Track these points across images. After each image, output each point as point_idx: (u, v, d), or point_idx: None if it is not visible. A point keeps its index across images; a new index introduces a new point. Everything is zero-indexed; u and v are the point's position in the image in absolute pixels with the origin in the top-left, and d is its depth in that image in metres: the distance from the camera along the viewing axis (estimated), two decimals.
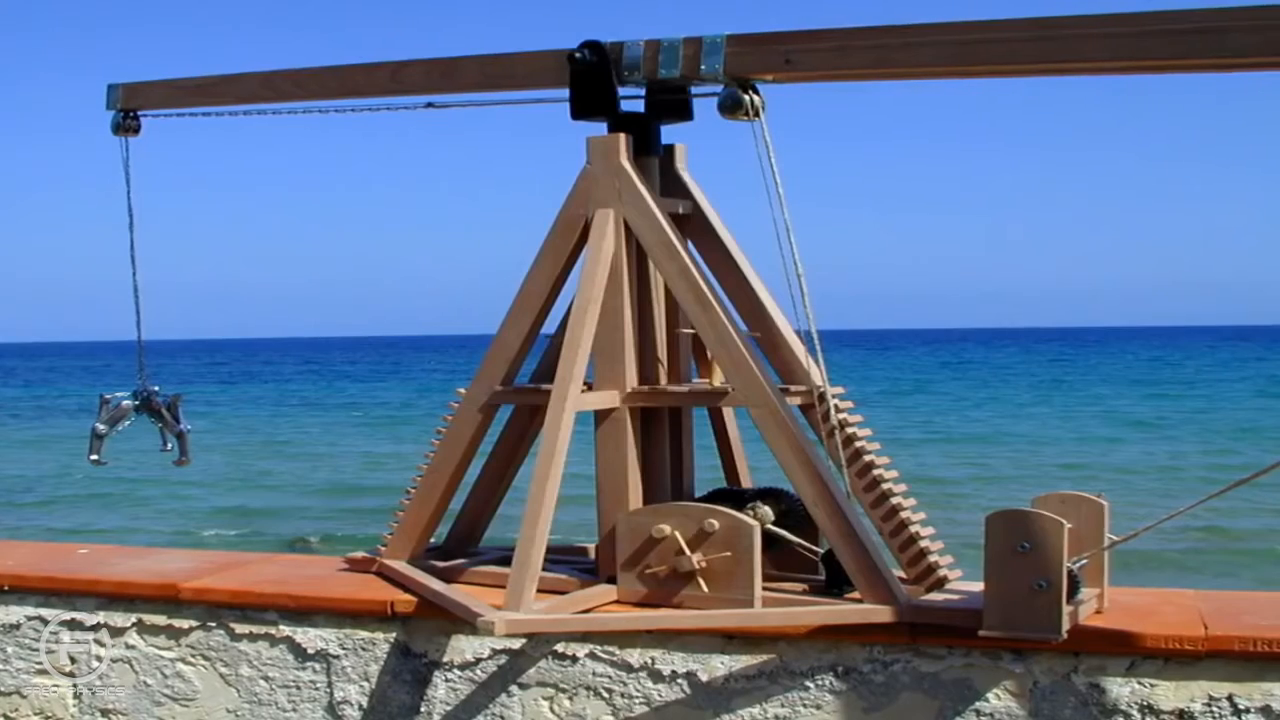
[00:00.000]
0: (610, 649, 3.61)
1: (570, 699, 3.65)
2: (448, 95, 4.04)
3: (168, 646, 4.10)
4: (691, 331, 3.70)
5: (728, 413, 3.97)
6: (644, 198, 3.61)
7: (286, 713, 3.96)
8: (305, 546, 16.73)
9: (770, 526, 3.64)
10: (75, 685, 4.21)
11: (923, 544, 3.51)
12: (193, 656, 4.07)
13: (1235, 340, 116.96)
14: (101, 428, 4.53)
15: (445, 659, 3.77)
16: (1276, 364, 69.49)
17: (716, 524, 3.44)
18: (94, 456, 4.59)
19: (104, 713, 4.18)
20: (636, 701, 3.58)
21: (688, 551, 3.46)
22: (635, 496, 3.67)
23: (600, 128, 3.72)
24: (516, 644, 3.69)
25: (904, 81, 3.44)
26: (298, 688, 3.94)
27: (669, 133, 3.84)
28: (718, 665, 3.52)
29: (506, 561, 3.64)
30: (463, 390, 3.93)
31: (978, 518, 3.23)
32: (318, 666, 3.92)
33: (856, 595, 3.43)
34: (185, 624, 4.08)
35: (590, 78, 3.63)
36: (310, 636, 3.92)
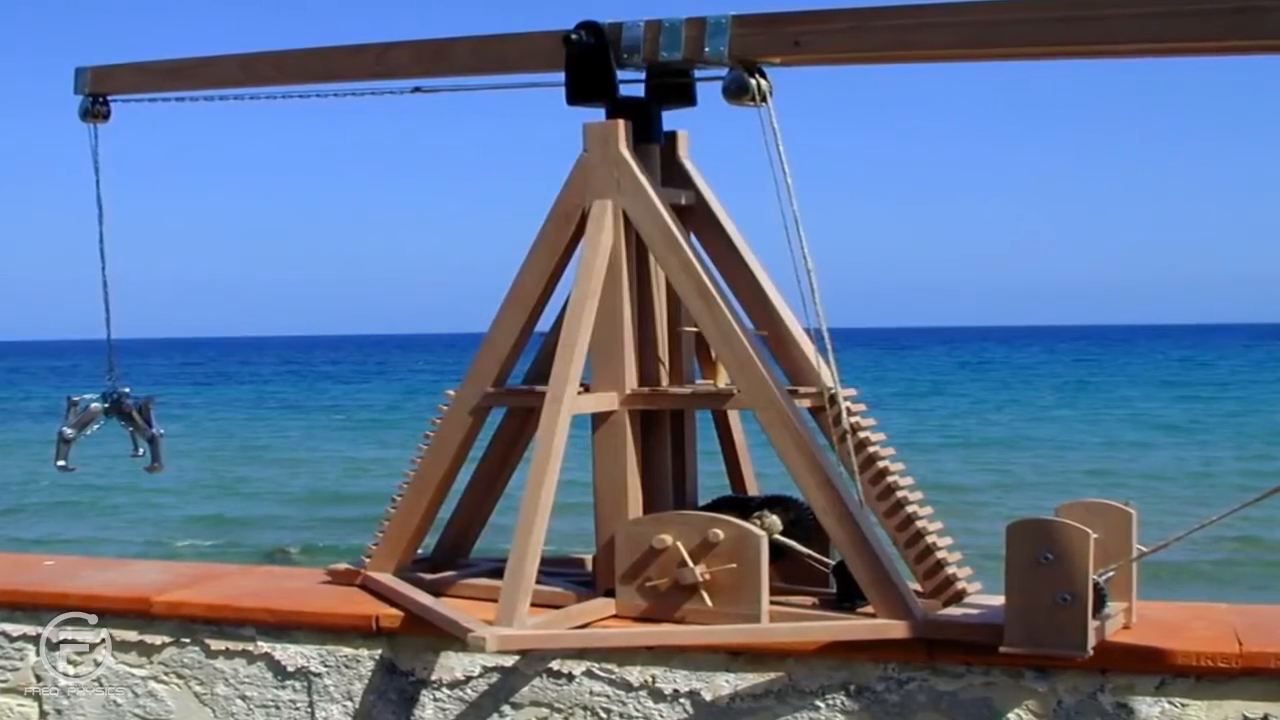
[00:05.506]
0: (608, 666, 3.61)
1: (566, 719, 3.65)
2: (437, 79, 4.04)
3: (139, 664, 4.10)
4: (694, 330, 3.70)
5: (733, 416, 3.98)
6: (644, 188, 3.61)
7: None
8: (285, 557, 16.76)
9: (778, 536, 3.64)
10: (41, 704, 4.21)
11: (940, 555, 3.51)
12: (165, 674, 4.07)
13: (1272, 339, 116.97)
14: (69, 432, 4.53)
15: (433, 677, 3.77)
16: None
17: (721, 534, 3.44)
18: (61, 462, 4.60)
19: None
20: None
21: (690, 563, 3.46)
22: (635, 505, 3.67)
23: (598, 113, 3.72)
24: (509, 661, 3.69)
25: (922, 64, 3.44)
26: (277, 707, 3.94)
27: (671, 119, 3.85)
28: (722, 684, 3.52)
29: (498, 574, 3.64)
30: (452, 392, 3.93)
31: (998, 527, 3.23)
32: (298, 685, 3.92)
33: (869, 609, 3.43)
34: (158, 640, 4.08)
35: (587, 61, 3.63)
36: (290, 653, 3.92)
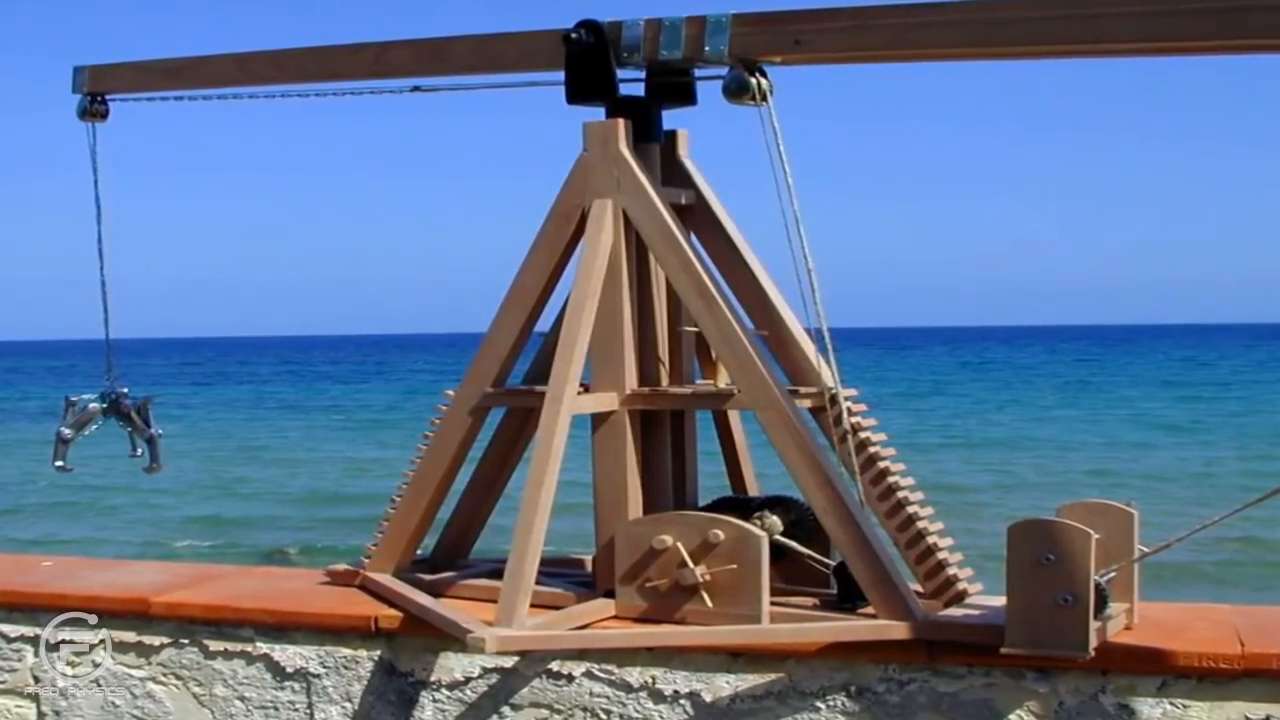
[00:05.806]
0: (608, 667, 3.61)
1: None
2: (436, 78, 4.04)
3: (137, 665, 4.10)
4: (694, 329, 3.70)
5: (733, 416, 3.98)
6: (644, 187, 3.61)
7: None
8: (284, 558, 16.75)
9: (778, 537, 3.64)
10: (39, 705, 4.21)
11: (941, 556, 3.51)
12: (164, 675, 4.07)
13: (1273, 339, 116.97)
14: (67, 432, 4.53)
15: (433, 678, 3.77)
16: None
17: (721, 534, 3.44)
18: (59, 463, 4.60)
19: None
20: None
21: (691, 564, 3.46)
22: (635, 505, 3.67)
23: (598, 113, 3.72)
24: (508, 662, 3.69)
25: (922, 63, 3.44)
26: (276, 708, 3.94)
27: (671, 118, 3.85)
28: (723, 685, 3.52)
29: (498, 574, 3.65)
30: (451, 392, 3.93)
31: (999, 528, 3.23)
32: (297, 686, 3.92)
33: (870, 610, 3.43)
34: (156, 640, 4.08)
35: (587, 60, 3.63)
36: (289, 654, 3.92)
